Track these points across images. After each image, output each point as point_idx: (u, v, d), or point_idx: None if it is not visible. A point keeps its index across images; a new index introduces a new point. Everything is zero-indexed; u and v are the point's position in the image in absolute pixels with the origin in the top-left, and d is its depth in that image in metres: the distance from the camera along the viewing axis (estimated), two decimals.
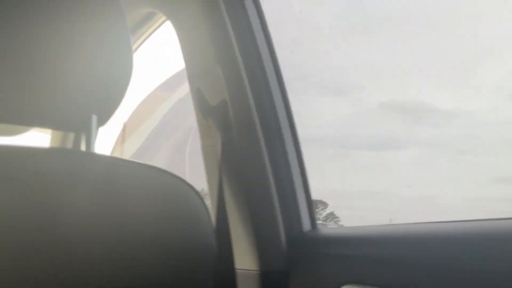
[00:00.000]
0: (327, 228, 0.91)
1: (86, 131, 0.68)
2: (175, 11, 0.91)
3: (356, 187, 1.45)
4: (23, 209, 0.55)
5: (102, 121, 0.69)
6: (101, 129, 0.68)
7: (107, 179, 0.61)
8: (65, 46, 0.63)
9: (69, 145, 1.43)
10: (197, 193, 0.68)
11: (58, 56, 0.62)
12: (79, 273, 0.56)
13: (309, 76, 1.50)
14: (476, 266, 0.63)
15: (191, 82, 0.92)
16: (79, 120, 0.68)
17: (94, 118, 0.68)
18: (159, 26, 1.20)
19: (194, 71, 0.90)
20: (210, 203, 0.88)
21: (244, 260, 0.87)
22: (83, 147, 0.67)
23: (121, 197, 0.60)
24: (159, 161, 1.66)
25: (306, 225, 0.89)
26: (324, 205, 1.37)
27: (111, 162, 0.65)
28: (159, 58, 1.39)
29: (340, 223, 1.36)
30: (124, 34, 0.66)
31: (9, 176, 0.55)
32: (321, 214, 1.36)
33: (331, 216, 1.38)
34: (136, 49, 1.26)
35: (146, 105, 1.47)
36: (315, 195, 1.53)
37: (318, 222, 1.14)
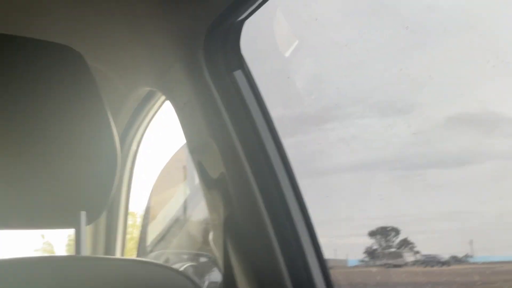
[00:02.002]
0: None
1: (76, 227, 0.71)
2: (170, 89, 0.94)
3: (429, 208, 1.39)
4: None
5: (93, 216, 0.73)
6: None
7: (100, 283, 0.63)
8: (45, 150, 0.65)
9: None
10: (196, 285, 0.70)
11: (41, 160, 0.66)
12: None
13: (366, 99, 1.47)
14: None
15: (192, 156, 0.95)
16: (68, 218, 0.71)
17: (83, 215, 0.71)
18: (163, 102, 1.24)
19: (193, 146, 0.93)
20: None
21: None
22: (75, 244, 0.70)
23: None
24: None
25: None
26: (397, 231, 1.33)
27: (102, 264, 0.67)
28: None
29: (416, 249, 1.31)
30: (108, 132, 0.69)
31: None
32: (393, 241, 1.32)
33: (406, 242, 1.33)
34: (146, 124, 1.31)
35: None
36: (384, 221, 1.49)
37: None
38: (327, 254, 1.64)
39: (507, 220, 1.36)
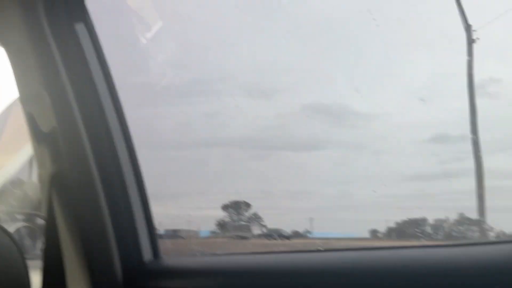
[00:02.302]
0: (171, 259, 0.86)
1: None
2: (3, 32, 0.86)
3: (278, 187, 1.50)
4: None
5: None
6: None
7: None
8: None
9: None
10: (9, 235, 0.69)
11: None
12: None
13: (233, 78, 1.51)
14: None
15: (23, 107, 0.88)
16: None
17: None
18: None
19: (25, 96, 0.86)
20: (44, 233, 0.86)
21: None
22: None
23: None
24: None
25: (147, 255, 0.85)
26: (248, 206, 1.42)
27: None
28: None
29: (263, 223, 1.42)
30: None
31: None
32: (244, 215, 1.41)
33: (255, 216, 1.43)
34: None
35: None
36: (237, 196, 1.58)
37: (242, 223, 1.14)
38: (181, 225, 1.68)
39: (343, 202, 1.54)
